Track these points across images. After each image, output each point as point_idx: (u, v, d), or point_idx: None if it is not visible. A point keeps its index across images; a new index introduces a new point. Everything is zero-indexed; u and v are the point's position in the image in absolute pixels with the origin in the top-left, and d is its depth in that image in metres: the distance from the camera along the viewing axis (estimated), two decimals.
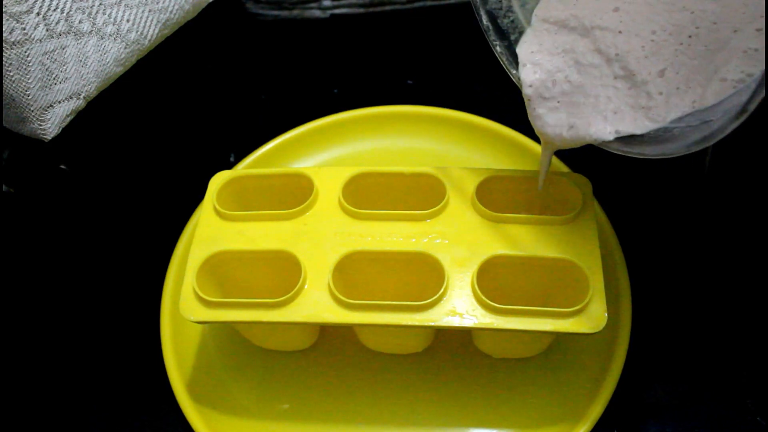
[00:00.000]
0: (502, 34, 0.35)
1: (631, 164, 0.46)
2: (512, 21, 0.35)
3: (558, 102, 0.33)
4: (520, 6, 0.35)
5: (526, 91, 0.33)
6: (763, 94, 0.24)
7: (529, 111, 0.34)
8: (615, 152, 0.32)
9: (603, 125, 0.31)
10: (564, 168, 0.44)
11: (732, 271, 0.41)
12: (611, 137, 0.31)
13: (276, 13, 0.58)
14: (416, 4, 0.57)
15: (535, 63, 0.33)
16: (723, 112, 0.27)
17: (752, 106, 0.25)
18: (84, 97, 0.46)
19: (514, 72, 0.34)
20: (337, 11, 0.57)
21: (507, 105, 0.47)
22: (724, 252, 0.41)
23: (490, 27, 0.35)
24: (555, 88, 0.33)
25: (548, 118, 0.33)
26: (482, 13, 0.35)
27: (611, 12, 0.32)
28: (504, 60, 0.35)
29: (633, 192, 0.44)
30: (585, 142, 0.32)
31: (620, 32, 0.31)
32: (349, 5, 0.57)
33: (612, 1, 0.32)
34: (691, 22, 0.30)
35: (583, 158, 0.45)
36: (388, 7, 0.57)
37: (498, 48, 0.35)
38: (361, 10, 0.57)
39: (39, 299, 0.43)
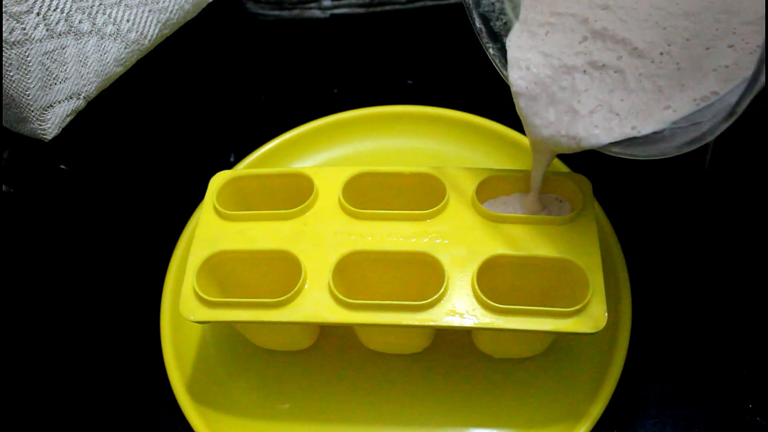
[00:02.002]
0: (495, 36, 0.35)
1: (631, 164, 0.46)
2: (505, 23, 0.35)
3: (544, 105, 0.33)
4: (512, 8, 0.35)
5: (516, 96, 0.34)
6: (751, 97, 0.24)
7: (518, 112, 0.34)
8: (608, 153, 0.32)
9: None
10: (564, 168, 0.44)
11: (732, 271, 0.41)
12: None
13: (276, 13, 0.58)
14: (416, 4, 0.57)
15: (522, 69, 0.34)
16: (713, 114, 0.27)
17: (740, 109, 0.25)
18: (84, 97, 0.46)
19: (507, 74, 0.34)
20: (337, 11, 0.57)
21: (507, 105, 0.47)
22: (724, 252, 0.41)
23: (483, 29, 0.35)
24: (542, 93, 0.33)
25: (538, 121, 0.33)
26: (475, 16, 0.35)
27: (578, 45, 0.32)
28: (497, 62, 0.35)
29: (633, 192, 0.44)
30: (577, 146, 0.32)
31: (585, 72, 0.32)
32: (349, 5, 0.57)
33: (582, 31, 0.32)
34: (664, 39, 0.30)
35: (583, 158, 0.45)
36: (388, 7, 0.57)
37: (491, 50, 0.35)
38: (361, 10, 0.57)
39: (39, 299, 0.43)
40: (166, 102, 0.53)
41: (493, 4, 0.35)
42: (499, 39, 0.35)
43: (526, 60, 0.33)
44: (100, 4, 0.45)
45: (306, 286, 0.34)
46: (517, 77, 0.33)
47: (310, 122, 0.48)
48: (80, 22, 0.44)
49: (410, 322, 0.33)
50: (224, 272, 0.37)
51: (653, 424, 0.36)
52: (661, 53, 0.30)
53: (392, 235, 0.36)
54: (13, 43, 0.41)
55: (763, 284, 0.40)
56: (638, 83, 0.30)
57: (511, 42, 0.34)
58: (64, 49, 0.43)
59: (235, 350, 0.40)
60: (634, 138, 0.30)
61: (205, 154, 0.50)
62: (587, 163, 0.41)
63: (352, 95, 0.52)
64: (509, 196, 0.38)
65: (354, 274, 0.36)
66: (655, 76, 0.30)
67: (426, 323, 0.33)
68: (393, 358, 0.39)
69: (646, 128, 0.30)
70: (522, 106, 0.34)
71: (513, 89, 0.34)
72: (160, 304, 0.41)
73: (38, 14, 0.42)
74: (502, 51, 0.35)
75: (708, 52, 0.29)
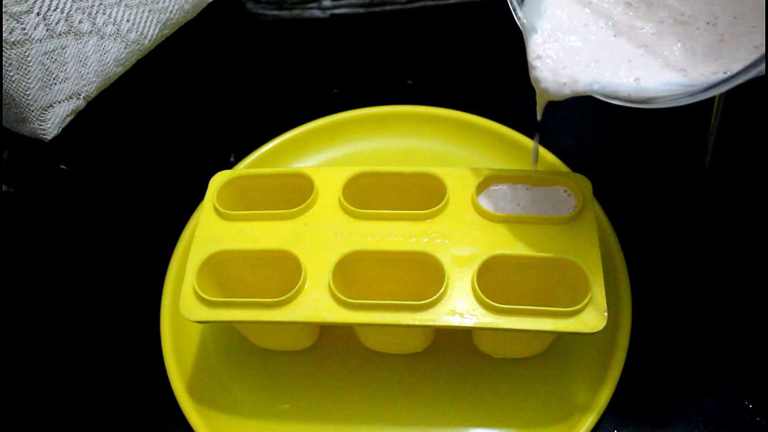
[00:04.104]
0: None
1: (630, 164, 0.46)
2: None
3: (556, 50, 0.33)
4: None
5: (532, 39, 0.34)
6: (740, 79, 0.26)
7: (529, 55, 0.34)
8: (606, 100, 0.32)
9: (588, 75, 0.32)
10: (564, 168, 0.44)
11: (732, 271, 0.41)
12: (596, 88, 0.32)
13: (276, 13, 0.58)
14: (416, 4, 0.57)
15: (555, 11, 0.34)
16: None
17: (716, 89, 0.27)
18: (84, 97, 0.46)
19: (521, 15, 0.34)
20: (337, 11, 0.57)
21: (507, 105, 0.48)
22: (724, 252, 0.41)
23: None
24: (559, 38, 0.33)
25: (544, 63, 0.33)
26: None
27: (622, 6, 0.33)
28: (514, 1, 0.35)
29: (633, 192, 0.44)
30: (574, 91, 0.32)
31: (621, 26, 0.32)
32: (349, 5, 0.57)
33: None
34: (711, 13, 0.31)
35: (583, 158, 0.46)
36: (388, 7, 0.57)
37: None
38: (361, 10, 0.57)
39: (39, 299, 0.43)
40: (165, 102, 0.53)
41: None
42: None
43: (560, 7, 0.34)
44: (100, 4, 0.45)
45: (306, 286, 0.34)
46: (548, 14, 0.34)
47: (310, 122, 0.48)
48: (80, 22, 0.44)
49: (410, 322, 0.33)
50: (224, 272, 0.37)
51: (653, 424, 0.36)
52: (708, 23, 0.31)
53: (392, 235, 0.36)
54: (13, 43, 0.41)
55: (763, 284, 0.40)
56: (671, 45, 0.31)
57: None
58: (64, 49, 0.43)
59: (235, 350, 0.40)
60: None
61: (205, 154, 0.50)
62: (587, 163, 0.41)
63: (352, 95, 0.52)
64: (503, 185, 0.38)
65: (354, 274, 0.36)
66: (696, 42, 0.31)
67: (426, 323, 0.33)
68: (393, 358, 0.39)
69: (648, 82, 0.30)
70: (538, 37, 0.33)
71: (539, 25, 0.34)
72: (160, 304, 0.41)
73: (38, 14, 0.42)
74: None
75: (754, 29, 0.30)
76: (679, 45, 0.31)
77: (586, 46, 0.33)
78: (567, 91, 0.32)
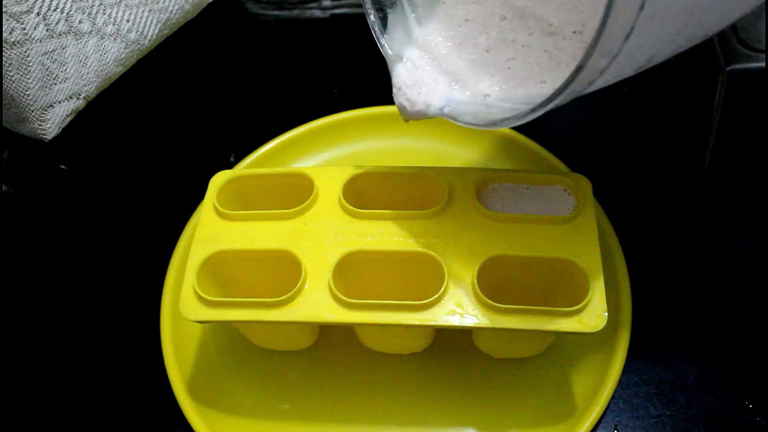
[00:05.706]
0: (379, 3, 0.35)
1: (631, 164, 0.46)
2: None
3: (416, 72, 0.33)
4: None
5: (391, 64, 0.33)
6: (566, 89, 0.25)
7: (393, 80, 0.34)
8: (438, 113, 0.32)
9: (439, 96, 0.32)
10: (564, 168, 0.44)
11: (732, 270, 0.41)
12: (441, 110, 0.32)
13: (276, 13, 0.58)
14: None
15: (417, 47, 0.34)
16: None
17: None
18: (84, 97, 0.46)
19: (383, 42, 0.34)
20: (337, 11, 0.57)
21: None
22: (724, 252, 0.41)
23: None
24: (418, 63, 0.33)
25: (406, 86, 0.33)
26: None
27: (497, 21, 0.33)
28: (375, 29, 0.35)
29: (633, 192, 0.44)
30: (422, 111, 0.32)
31: (492, 42, 0.32)
32: (349, 5, 0.57)
33: (502, 10, 0.32)
34: (579, 20, 0.30)
35: (583, 158, 0.46)
36: None
37: (372, 17, 0.35)
38: (361, 10, 0.57)
39: (39, 299, 0.43)
40: (166, 102, 0.53)
41: None
42: (382, 9, 0.35)
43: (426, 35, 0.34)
44: (100, 4, 0.45)
45: (306, 286, 0.34)
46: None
47: (310, 122, 0.48)
48: (80, 22, 0.44)
49: (410, 322, 0.33)
50: (224, 272, 0.37)
51: (653, 424, 0.36)
52: (575, 32, 0.30)
53: (392, 235, 0.36)
54: (13, 43, 0.41)
55: (763, 284, 0.40)
56: (539, 57, 0.30)
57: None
58: (64, 49, 0.43)
59: (235, 350, 0.40)
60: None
61: (205, 154, 0.50)
62: (587, 163, 0.41)
63: (352, 95, 0.52)
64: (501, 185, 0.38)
65: (354, 274, 0.36)
66: (562, 52, 0.30)
67: (426, 323, 0.33)
68: (393, 358, 0.39)
69: (494, 99, 0.30)
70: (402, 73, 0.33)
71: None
72: (160, 304, 0.41)
73: (38, 14, 0.42)
74: (383, 20, 0.35)
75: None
76: (545, 56, 0.30)
77: (455, 66, 0.32)
78: (420, 117, 0.32)
